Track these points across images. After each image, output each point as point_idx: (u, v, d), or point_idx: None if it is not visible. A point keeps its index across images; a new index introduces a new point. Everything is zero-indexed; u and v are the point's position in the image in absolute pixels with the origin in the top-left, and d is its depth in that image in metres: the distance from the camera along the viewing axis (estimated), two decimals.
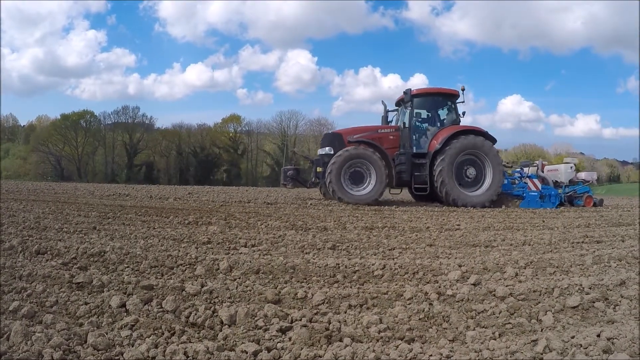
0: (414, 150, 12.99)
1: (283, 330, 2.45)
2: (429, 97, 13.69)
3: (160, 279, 3.44)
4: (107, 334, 2.27)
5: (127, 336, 2.27)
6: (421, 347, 2.26)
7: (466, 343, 2.37)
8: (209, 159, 56.45)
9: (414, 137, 13.18)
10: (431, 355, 2.17)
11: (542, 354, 2.16)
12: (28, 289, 2.91)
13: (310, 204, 11.89)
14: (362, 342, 2.35)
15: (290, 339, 2.35)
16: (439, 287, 3.42)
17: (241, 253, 4.54)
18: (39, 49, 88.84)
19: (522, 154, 54.66)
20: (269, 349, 2.21)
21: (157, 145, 57.13)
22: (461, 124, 13.40)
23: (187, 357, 2.08)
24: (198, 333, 2.43)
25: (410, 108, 13.38)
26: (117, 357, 2.06)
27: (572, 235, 6.57)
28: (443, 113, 13.72)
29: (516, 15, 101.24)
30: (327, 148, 12.91)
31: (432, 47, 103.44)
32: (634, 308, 2.85)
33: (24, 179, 41.21)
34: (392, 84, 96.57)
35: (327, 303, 2.99)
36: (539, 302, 3.04)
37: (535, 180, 13.46)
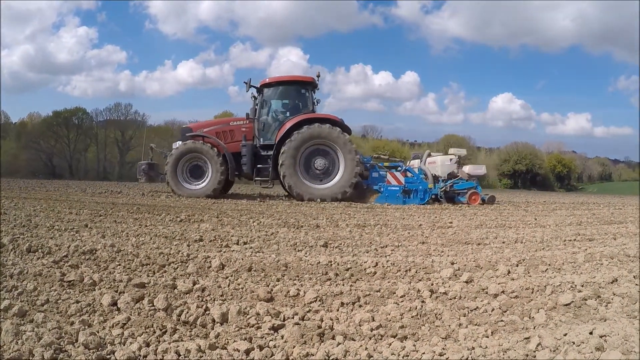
0: (262, 142, 12.69)
1: (275, 328, 2.44)
2: (280, 86, 13.13)
3: (151, 276, 3.42)
4: (98, 332, 2.25)
5: (118, 335, 2.26)
6: (413, 345, 2.26)
7: (458, 341, 2.37)
8: None
9: (262, 128, 12.81)
10: (423, 353, 2.17)
11: (534, 351, 2.17)
12: (19, 288, 2.88)
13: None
14: (354, 340, 2.35)
15: (282, 337, 2.35)
16: (432, 284, 3.43)
17: (233, 251, 4.52)
18: (29, 46, 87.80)
19: (514, 153, 54.83)
20: (261, 347, 2.20)
21: (150, 143, 56.80)
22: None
23: (179, 355, 2.07)
24: (190, 331, 2.41)
25: (255, 98, 13.03)
26: (108, 356, 2.04)
27: (564, 233, 6.62)
28: (298, 102, 13.11)
29: (506, 13, 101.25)
30: (178, 142, 12.83)
31: (423, 44, 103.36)
32: (626, 305, 2.86)
33: (15, 176, 40.77)
34: (384, 82, 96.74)
35: (319, 301, 2.98)
36: (532, 300, 3.06)
37: (398, 174, 12.39)
